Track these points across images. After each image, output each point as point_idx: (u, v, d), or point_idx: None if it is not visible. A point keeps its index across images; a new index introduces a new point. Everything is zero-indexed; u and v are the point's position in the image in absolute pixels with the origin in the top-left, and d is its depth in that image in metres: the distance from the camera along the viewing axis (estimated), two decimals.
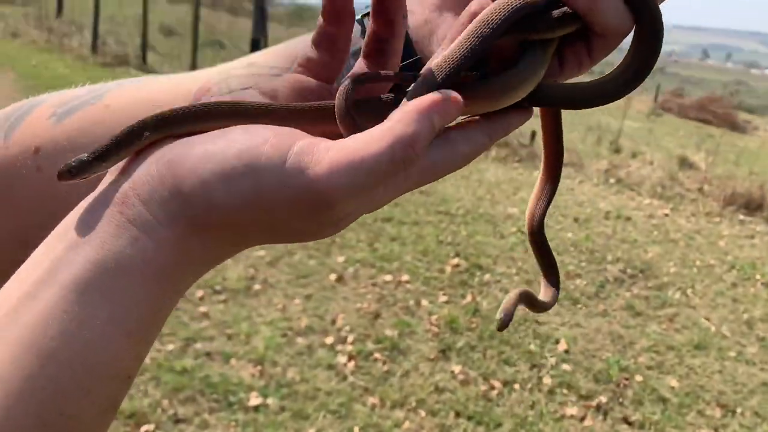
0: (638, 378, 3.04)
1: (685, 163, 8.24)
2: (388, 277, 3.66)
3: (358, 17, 0.39)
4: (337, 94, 0.32)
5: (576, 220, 5.27)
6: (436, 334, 3.16)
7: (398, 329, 3.12)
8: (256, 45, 9.15)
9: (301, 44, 0.39)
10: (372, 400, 2.57)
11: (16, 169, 0.38)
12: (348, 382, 2.65)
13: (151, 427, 2.17)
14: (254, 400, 2.42)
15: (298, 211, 0.28)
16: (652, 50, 0.38)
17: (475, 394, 2.73)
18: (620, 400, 2.86)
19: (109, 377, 0.27)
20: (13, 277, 0.28)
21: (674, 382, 3.04)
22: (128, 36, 10.75)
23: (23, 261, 0.31)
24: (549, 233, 4.68)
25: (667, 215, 5.86)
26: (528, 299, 0.50)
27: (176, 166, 0.28)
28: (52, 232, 0.29)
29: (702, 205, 6.26)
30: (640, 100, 21.54)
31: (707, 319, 3.76)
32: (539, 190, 0.51)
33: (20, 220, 0.39)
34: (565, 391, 2.86)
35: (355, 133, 0.31)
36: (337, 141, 0.29)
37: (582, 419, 2.68)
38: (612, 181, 6.82)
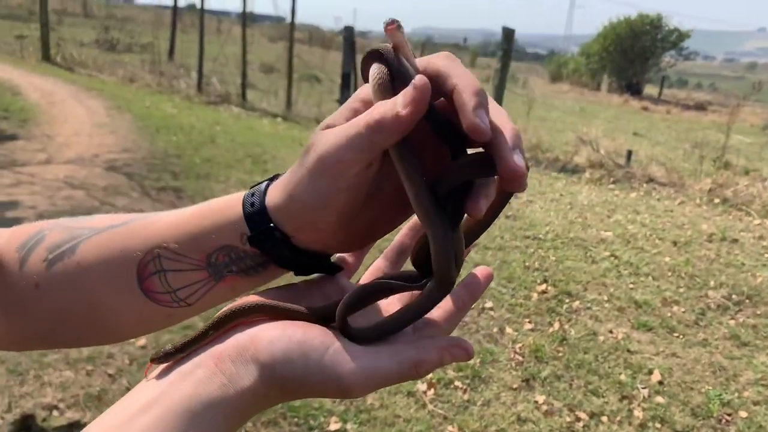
0: (742, 414, 2.81)
1: None
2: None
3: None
4: (339, 306, 0.42)
5: (675, 243, 4.99)
6: (520, 362, 3.09)
7: (480, 357, 3.09)
8: (347, 78, 9.45)
9: (215, 236, 0.47)
10: (451, 428, 2.56)
11: (26, 295, 0.51)
12: (427, 410, 2.65)
13: None
14: (334, 425, 2.47)
15: (326, 390, 0.39)
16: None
17: (560, 425, 2.64)
18: None
19: None
20: (129, 394, 0.40)
21: None
22: (230, 75, 11.45)
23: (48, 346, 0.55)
24: (644, 257, 4.47)
25: None
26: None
27: (257, 341, 0.40)
28: (155, 373, 0.41)
29: None
30: (753, 112, 20.10)
31: None
32: None
33: (33, 327, 0.53)
34: (658, 425, 2.70)
35: (347, 337, 0.41)
36: (364, 350, 0.40)
37: None
38: (717, 200, 6.40)
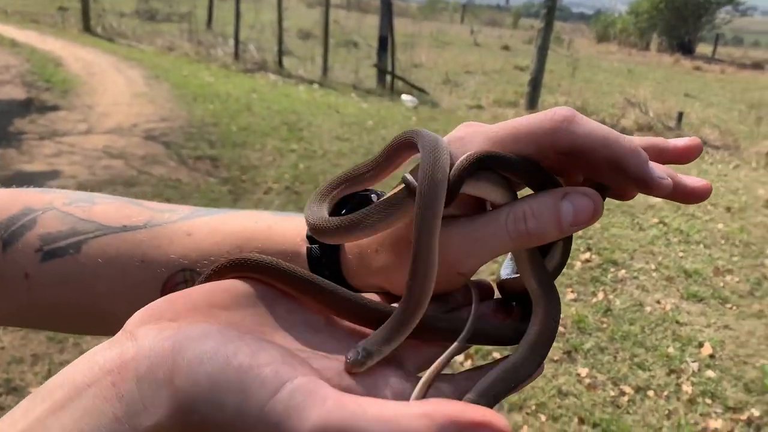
0: None
1: None
2: None
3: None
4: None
5: (728, 209, 4.74)
6: (562, 334, 2.98)
7: None
8: (384, 42, 9.26)
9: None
10: None
11: (12, 280, 0.45)
12: None
13: None
14: None
15: None
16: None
17: (603, 399, 2.54)
18: None
19: None
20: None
21: None
22: (267, 42, 11.38)
23: None
24: (695, 225, 4.27)
25: None
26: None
27: (178, 353, 0.27)
28: (44, 386, 0.28)
29: None
30: None
31: None
32: None
33: (18, 313, 0.47)
34: (708, 401, 2.57)
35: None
36: (340, 395, 0.27)
37: None
38: None
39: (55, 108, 6.43)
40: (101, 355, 0.28)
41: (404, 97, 8.53)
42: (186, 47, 11.48)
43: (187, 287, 0.40)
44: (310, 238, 0.41)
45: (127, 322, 0.31)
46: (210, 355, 0.27)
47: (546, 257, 0.37)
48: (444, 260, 0.34)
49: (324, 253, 0.39)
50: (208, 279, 0.36)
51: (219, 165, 5.00)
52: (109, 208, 0.46)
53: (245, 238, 0.42)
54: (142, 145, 5.33)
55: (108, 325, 0.45)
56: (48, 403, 0.26)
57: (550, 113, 0.33)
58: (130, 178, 4.49)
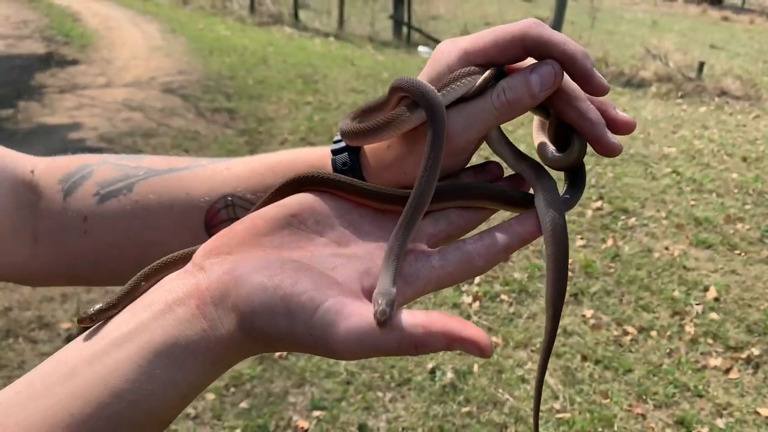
0: None
1: None
2: None
3: None
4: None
5: (745, 159, 4.71)
6: (569, 278, 3.05)
7: (528, 272, 3.06)
8: None
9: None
10: (495, 339, 2.58)
11: (70, 226, 0.53)
12: (472, 322, 2.68)
13: None
14: None
15: (317, 351, 0.36)
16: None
17: (606, 338, 2.62)
18: None
19: (158, 422, 0.36)
20: (103, 327, 0.37)
21: None
22: None
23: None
24: (709, 174, 4.24)
25: None
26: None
27: (239, 286, 0.36)
28: (139, 300, 0.38)
29: None
30: None
31: None
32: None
33: (69, 260, 0.54)
34: (710, 341, 2.64)
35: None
36: (362, 309, 0.35)
37: (727, 371, 2.47)
38: None
39: (74, 62, 6.51)
40: (182, 282, 0.38)
41: (421, 48, 8.45)
42: (201, 0, 11.40)
43: (227, 212, 0.52)
44: (333, 152, 0.48)
45: (194, 255, 0.41)
46: (261, 288, 0.36)
47: (566, 150, 0.45)
48: (447, 134, 0.42)
49: (349, 159, 0.48)
50: (272, 199, 0.44)
51: (236, 117, 5.07)
52: (155, 159, 0.56)
53: (276, 161, 0.52)
54: (160, 98, 5.41)
55: (152, 260, 0.54)
56: (149, 312, 0.36)
57: (523, 21, 0.42)
58: (149, 130, 4.58)
